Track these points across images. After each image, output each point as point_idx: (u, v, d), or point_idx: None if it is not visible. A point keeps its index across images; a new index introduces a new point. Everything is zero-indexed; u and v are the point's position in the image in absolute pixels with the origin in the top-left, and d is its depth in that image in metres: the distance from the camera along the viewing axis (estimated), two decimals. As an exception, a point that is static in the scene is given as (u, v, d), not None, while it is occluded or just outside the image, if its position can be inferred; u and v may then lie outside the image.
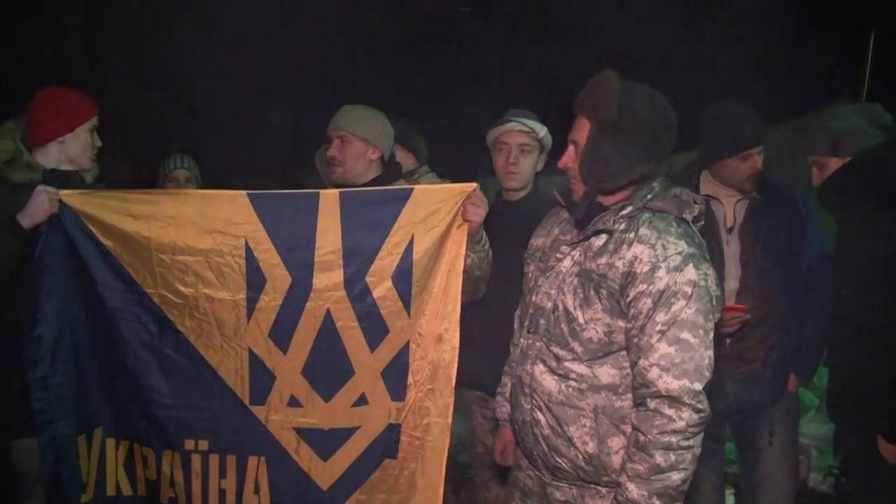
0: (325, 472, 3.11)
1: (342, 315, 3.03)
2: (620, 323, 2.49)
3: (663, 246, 2.43)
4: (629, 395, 2.52)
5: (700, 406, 2.38)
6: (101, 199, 3.03)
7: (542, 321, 2.67)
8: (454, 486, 4.43)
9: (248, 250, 3.00)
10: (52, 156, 3.26)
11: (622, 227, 2.53)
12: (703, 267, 2.44)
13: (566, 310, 2.59)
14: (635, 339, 2.45)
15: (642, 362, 2.42)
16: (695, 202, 2.58)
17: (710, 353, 2.42)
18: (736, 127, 3.35)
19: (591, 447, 2.54)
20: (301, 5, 8.07)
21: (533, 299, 2.74)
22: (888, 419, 2.96)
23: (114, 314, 3.04)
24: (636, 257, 2.45)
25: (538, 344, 2.67)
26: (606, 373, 2.54)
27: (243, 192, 3.01)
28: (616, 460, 2.52)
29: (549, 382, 2.61)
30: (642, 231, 2.48)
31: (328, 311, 3.03)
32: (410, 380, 3.08)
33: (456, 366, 3.06)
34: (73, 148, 3.28)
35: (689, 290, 2.39)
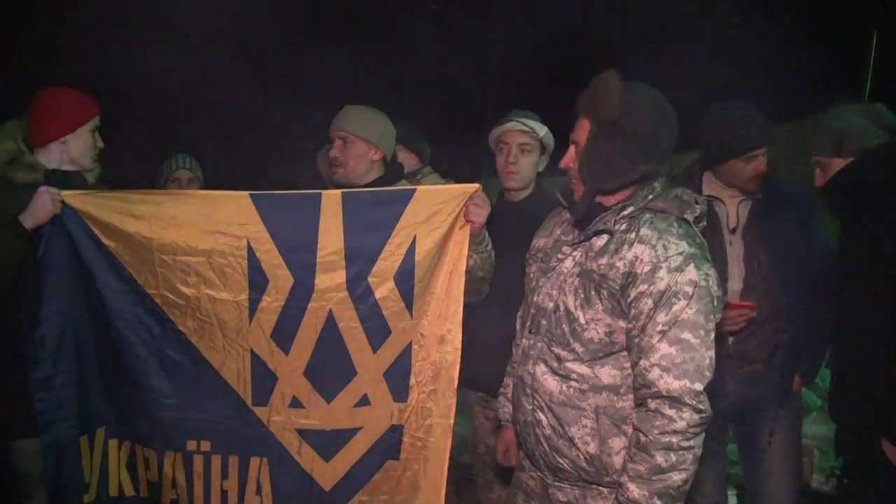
0: (327, 473, 3.11)
1: (344, 316, 3.03)
2: (621, 323, 2.49)
3: (664, 246, 2.43)
4: (630, 396, 2.52)
5: (701, 406, 2.37)
6: (104, 200, 3.03)
7: (543, 322, 2.67)
8: (456, 486, 4.42)
9: (250, 251, 3.00)
10: (53, 156, 3.26)
11: (623, 227, 2.53)
12: (705, 267, 2.44)
13: (567, 310, 2.59)
14: (636, 340, 2.45)
15: (643, 363, 2.42)
16: (696, 202, 2.58)
17: (712, 353, 2.41)
18: (740, 128, 3.35)
19: (592, 447, 2.54)
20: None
21: (534, 300, 2.74)
22: (892, 421, 2.95)
23: (116, 315, 3.04)
24: (637, 257, 2.45)
25: (539, 344, 2.67)
26: (607, 373, 2.54)
27: (246, 193, 3.01)
28: (617, 461, 2.52)
29: (551, 383, 2.61)
30: (643, 231, 2.48)
31: (330, 311, 3.03)
32: (413, 381, 3.08)
33: (458, 367, 3.06)
34: (75, 148, 3.28)
35: (689, 290, 2.39)
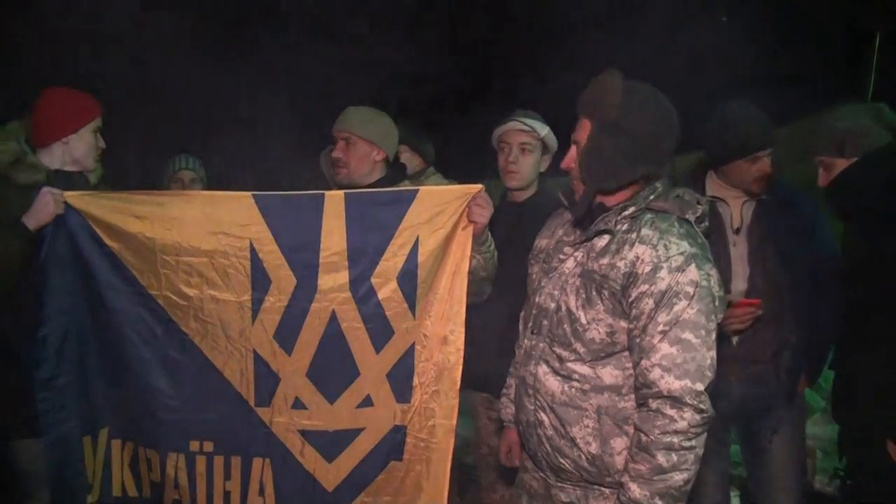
0: (330, 474, 3.11)
1: (347, 316, 3.03)
2: (623, 323, 2.49)
3: (665, 246, 2.43)
4: (632, 396, 2.51)
5: (702, 406, 2.37)
6: (106, 201, 3.03)
7: (545, 322, 2.67)
8: (459, 487, 4.41)
9: (253, 251, 3.00)
10: (56, 157, 3.26)
11: (624, 227, 2.53)
12: (706, 267, 2.43)
13: (569, 310, 2.59)
14: (637, 340, 2.44)
15: (644, 363, 2.42)
16: (698, 203, 2.58)
17: (713, 353, 2.41)
18: (745, 128, 3.34)
19: (594, 448, 2.54)
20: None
21: (536, 300, 2.74)
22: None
23: (118, 315, 3.04)
24: (638, 258, 2.45)
25: (541, 345, 2.67)
26: (609, 373, 2.54)
27: (248, 194, 3.01)
28: (619, 461, 2.51)
29: (553, 383, 2.61)
30: (644, 231, 2.48)
31: (333, 312, 3.03)
32: (416, 381, 3.08)
33: (461, 367, 3.06)
34: (78, 149, 3.28)
35: (690, 290, 2.38)
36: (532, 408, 2.67)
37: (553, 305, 2.65)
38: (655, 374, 2.39)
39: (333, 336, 3.04)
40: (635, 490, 2.39)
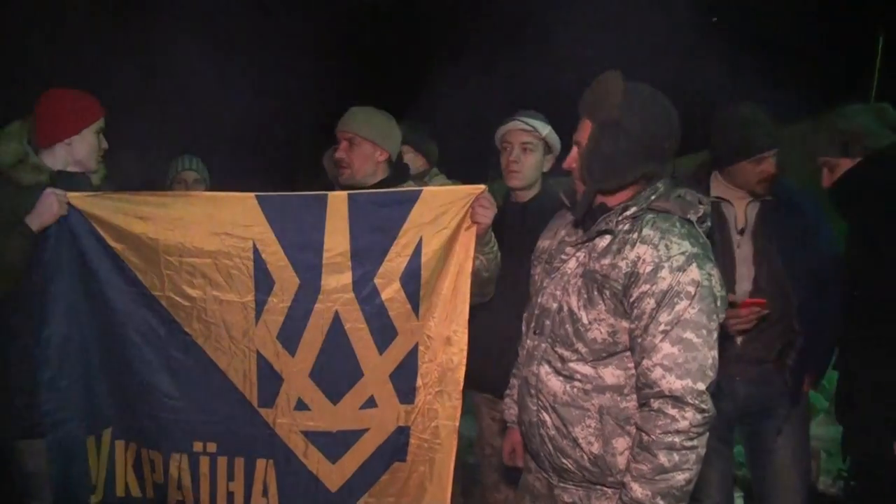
0: (333, 475, 3.11)
1: (350, 317, 3.03)
2: (624, 323, 2.49)
3: (666, 246, 2.42)
4: (634, 396, 2.51)
5: (704, 406, 2.36)
6: (109, 202, 3.03)
7: (547, 322, 2.67)
8: (463, 488, 4.41)
9: (256, 252, 3.00)
10: (58, 157, 3.26)
11: (626, 227, 2.52)
12: (707, 267, 2.43)
13: (570, 310, 2.59)
14: (639, 340, 2.44)
15: (646, 362, 2.41)
16: (700, 203, 2.57)
17: (714, 353, 2.40)
18: (750, 130, 3.34)
19: (595, 448, 2.54)
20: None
21: (539, 301, 2.74)
22: None
23: (121, 316, 3.05)
24: (639, 257, 2.44)
25: (543, 345, 2.67)
26: (611, 373, 2.54)
27: (252, 194, 3.01)
28: (621, 461, 2.51)
29: (555, 383, 2.61)
30: (645, 231, 2.47)
31: (336, 312, 3.03)
32: (419, 382, 3.08)
33: (464, 368, 3.06)
34: (80, 150, 3.28)
35: (692, 289, 2.38)
36: (534, 408, 2.67)
37: (555, 306, 2.65)
38: (657, 373, 2.38)
39: (337, 337, 3.04)
40: (637, 490, 2.38)
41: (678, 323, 2.37)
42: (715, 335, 2.41)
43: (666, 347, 2.37)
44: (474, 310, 3.09)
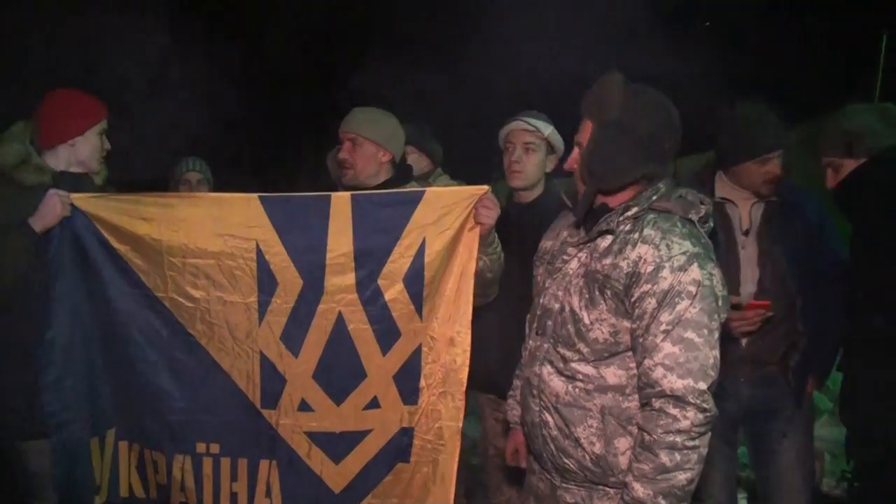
0: (337, 476, 3.11)
1: (354, 318, 3.03)
2: (626, 323, 2.49)
3: (667, 246, 2.42)
4: (636, 396, 2.51)
5: (705, 406, 2.36)
6: (113, 203, 3.03)
7: (549, 323, 2.67)
8: (466, 489, 4.41)
9: (259, 253, 3.00)
10: (61, 158, 3.26)
11: (627, 227, 2.53)
12: (708, 267, 2.43)
13: (572, 311, 2.59)
14: (640, 339, 2.44)
15: (647, 362, 2.41)
16: (701, 203, 2.57)
17: (716, 352, 2.40)
18: (756, 130, 3.33)
19: (597, 448, 2.54)
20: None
21: (541, 301, 2.74)
22: None
23: (125, 317, 3.05)
24: (640, 257, 2.44)
25: (546, 345, 2.67)
26: (613, 373, 2.54)
27: (255, 195, 3.02)
28: (623, 461, 2.51)
29: (557, 383, 2.61)
30: (647, 231, 2.47)
31: (340, 313, 3.03)
32: (423, 383, 3.08)
33: (467, 369, 3.06)
34: (83, 151, 3.28)
35: (693, 289, 2.38)
36: (537, 408, 2.67)
37: (557, 306, 2.65)
38: (658, 373, 2.38)
39: (340, 337, 3.04)
40: (639, 489, 2.38)
41: (679, 322, 2.37)
42: (716, 335, 2.41)
43: (667, 347, 2.37)
44: (478, 311, 3.10)
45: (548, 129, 3.75)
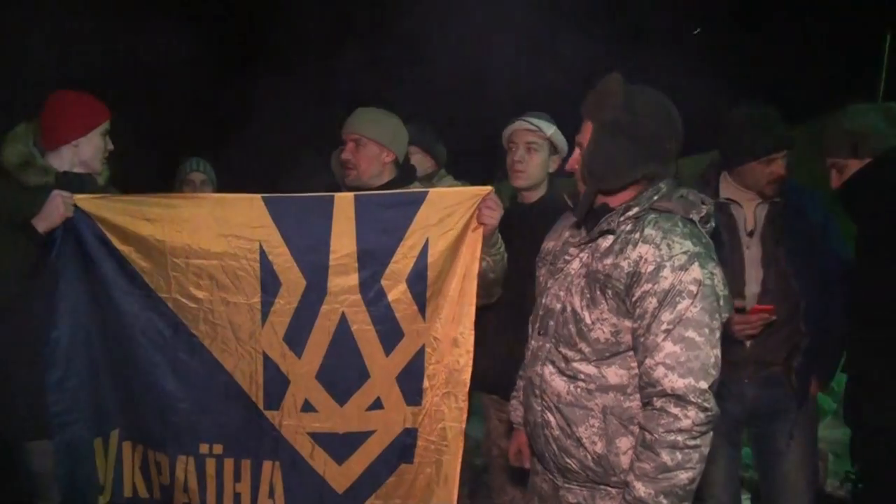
0: (340, 476, 3.11)
1: (357, 318, 3.03)
2: (627, 323, 2.49)
3: (668, 245, 2.43)
4: (637, 396, 2.51)
5: (706, 405, 2.36)
6: (116, 203, 3.04)
7: (551, 323, 2.68)
8: (470, 490, 4.41)
9: (263, 253, 3.00)
10: (65, 159, 3.27)
11: (628, 227, 2.53)
12: (709, 266, 2.43)
13: (574, 311, 2.59)
14: (641, 339, 2.44)
15: (648, 361, 2.41)
16: (703, 203, 2.58)
17: (717, 351, 2.40)
18: (760, 130, 3.33)
19: (599, 447, 2.54)
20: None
21: (543, 301, 2.75)
22: None
23: (128, 318, 3.05)
24: (641, 257, 2.45)
25: (547, 345, 2.67)
26: (614, 373, 2.54)
27: (258, 196, 3.02)
28: (624, 460, 2.51)
29: (559, 383, 2.61)
30: (647, 231, 2.48)
31: (343, 314, 3.03)
32: (426, 384, 3.08)
33: (470, 369, 3.06)
34: (86, 151, 3.29)
35: (694, 288, 2.38)
36: (539, 408, 2.67)
37: (559, 306, 2.66)
38: (659, 372, 2.38)
39: (343, 338, 3.04)
40: (640, 488, 2.38)
41: (680, 322, 2.37)
42: (717, 334, 2.42)
43: (668, 346, 2.37)
44: (481, 311, 3.09)
45: (550, 129, 3.75)
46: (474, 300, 3.04)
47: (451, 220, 3.01)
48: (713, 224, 2.61)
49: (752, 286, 3.40)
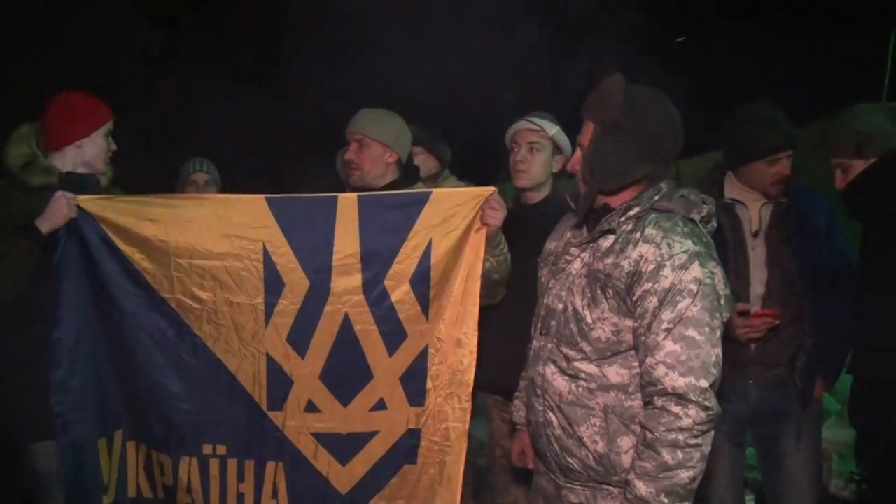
0: (343, 477, 3.10)
1: (360, 319, 3.03)
2: (628, 322, 2.50)
3: (668, 245, 2.43)
4: (639, 395, 2.52)
5: (707, 404, 2.36)
6: (120, 204, 3.04)
7: (553, 323, 2.68)
8: (473, 490, 4.40)
9: (266, 254, 3.00)
10: (68, 159, 3.27)
11: (629, 227, 2.54)
12: (710, 265, 2.44)
13: (575, 310, 2.60)
14: (642, 338, 2.45)
15: (649, 360, 2.42)
16: (703, 203, 2.59)
17: (718, 350, 2.41)
18: (765, 129, 3.32)
19: (600, 446, 2.54)
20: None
21: (545, 301, 2.76)
22: None
23: (131, 319, 3.05)
24: (642, 256, 2.46)
25: (549, 345, 2.68)
26: (615, 372, 2.54)
27: (262, 196, 3.01)
28: (626, 460, 2.51)
29: (560, 383, 2.62)
30: (648, 231, 2.49)
31: (346, 314, 3.02)
32: (429, 384, 3.07)
33: (474, 370, 3.06)
34: (90, 152, 3.29)
35: (694, 287, 2.38)
36: (541, 408, 2.67)
37: (560, 306, 2.66)
38: (660, 371, 2.39)
39: (346, 339, 3.04)
40: (641, 487, 2.39)
41: (680, 321, 2.38)
42: (718, 333, 2.43)
43: (668, 345, 2.38)
44: (484, 312, 3.09)
45: (553, 129, 3.74)
46: (478, 301, 3.04)
47: (454, 221, 3.01)
48: (714, 224, 2.62)
49: (757, 287, 3.39)
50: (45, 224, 2.94)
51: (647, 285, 2.42)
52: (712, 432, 2.41)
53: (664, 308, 2.39)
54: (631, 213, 2.54)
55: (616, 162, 2.54)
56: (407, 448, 3.10)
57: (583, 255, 2.65)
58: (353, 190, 3.36)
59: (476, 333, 3.04)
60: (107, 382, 3.09)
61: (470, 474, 3.45)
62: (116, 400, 3.12)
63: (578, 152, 2.66)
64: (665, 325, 2.39)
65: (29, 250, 2.95)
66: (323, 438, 3.09)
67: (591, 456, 2.55)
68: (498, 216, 3.01)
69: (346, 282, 3.01)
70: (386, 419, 3.08)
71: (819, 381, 3.48)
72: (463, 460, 3.09)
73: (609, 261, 2.52)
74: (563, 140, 3.76)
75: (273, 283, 3.01)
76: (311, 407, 3.08)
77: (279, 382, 3.06)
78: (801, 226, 3.38)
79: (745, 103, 3.45)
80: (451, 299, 3.07)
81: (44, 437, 3.08)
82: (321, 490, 3.11)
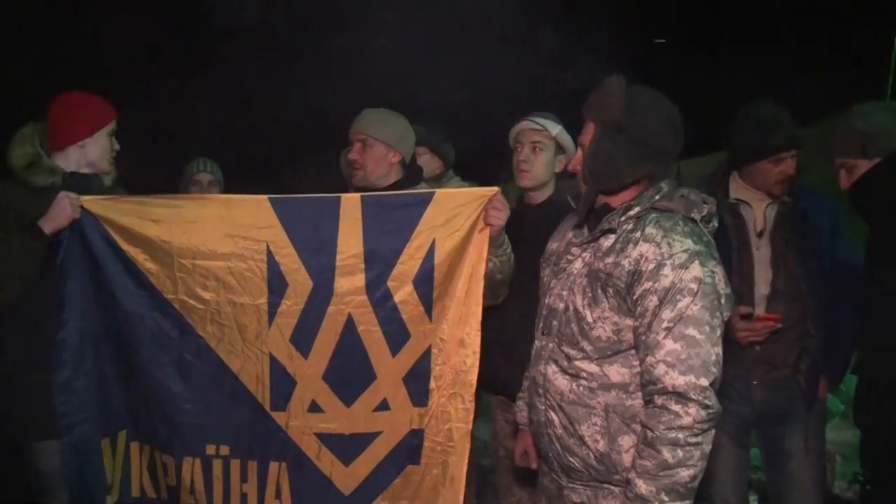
0: (346, 477, 3.10)
1: (364, 319, 3.03)
2: (628, 321, 2.50)
3: (669, 244, 2.44)
4: (639, 394, 2.52)
5: (707, 402, 2.36)
6: (123, 204, 3.04)
7: (554, 322, 2.69)
8: (477, 490, 4.40)
9: (270, 254, 3.00)
10: (71, 160, 3.27)
11: (629, 226, 2.54)
12: (710, 264, 2.44)
13: (576, 310, 2.60)
14: (643, 337, 2.45)
15: (649, 359, 2.42)
16: (704, 202, 2.59)
17: (718, 349, 2.41)
18: (769, 129, 3.32)
19: (601, 445, 2.54)
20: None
21: (546, 301, 2.76)
22: None
23: (135, 319, 3.05)
24: (642, 255, 2.46)
25: (550, 345, 2.68)
26: (616, 371, 2.55)
27: (265, 197, 3.01)
28: (627, 458, 2.51)
29: (561, 382, 2.62)
30: (648, 230, 2.49)
31: (350, 315, 3.02)
32: (433, 385, 3.07)
33: (477, 370, 3.05)
34: (93, 152, 3.29)
35: (694, 287, 2.39)
36: (542, 407, 2.68)
37: (561, 306, 2.67)
38: (660, 370, 2.39)
39: (350, 339, 3.03)
40: (641, 486, 2.39)
41: (681, 320, 2.38)
42: (718, 332, 2.43)
43: (669, 344, 2.38)
44: (487, 312, 3.08)
45: (556, 129, 3.74)
46: (481, 301, 3.04)
47: (457, 221, 3.00)
48: (716, 223, 2.63)
49: (762, 287, 3.39)
50: (49, 225, 2.94)
51: (648, 284, 2.43)
52: (713, 431, 2.41)
53: (664, 307, 2.40)
54: (631, 212, 2.55)
55: (616, 162, 2.55)
56: (410, 448, 3.09)
57: (584, 254, 2.66)
58: (357, 190, 3.36)
59: (479, 334, 3.04)
60: (111, 383, 3.10)
61: (473, 475, 3.45)
62: (120, 400, 3.12)
63: (579, 152, 2.67)
64: (665, 324, 2.39)
65: (32, 251, 2.95)
66: (326, 439, 3.09)
67: (592, 455, 2.56)
68: (501, 216, 3.01)
69: (350, 282, 3.01)
70: (389, 420, 3.08)
71: (823, 381, 3.48)
72: (466, 461, 3.08)
73: (609, 260, 2.53)
74: (567, 140, 3.75)
75: (276, 284, 3.01)
76: (314, 407, 3.07)
77: (282, 383, 3.06)
78: (806, 226, 3.38)
79: (750, 103, 3.44)
80: (455, 300, 3.06)
81: (47, 436, 3.08)
82: (324, 490, 3.11)
